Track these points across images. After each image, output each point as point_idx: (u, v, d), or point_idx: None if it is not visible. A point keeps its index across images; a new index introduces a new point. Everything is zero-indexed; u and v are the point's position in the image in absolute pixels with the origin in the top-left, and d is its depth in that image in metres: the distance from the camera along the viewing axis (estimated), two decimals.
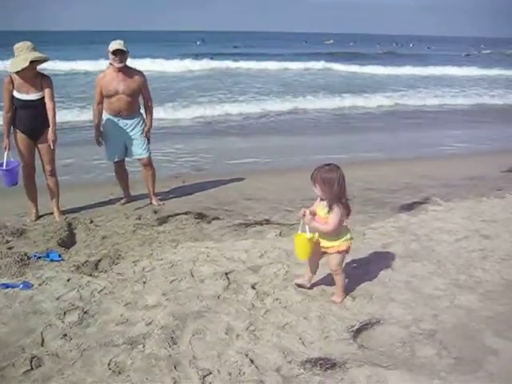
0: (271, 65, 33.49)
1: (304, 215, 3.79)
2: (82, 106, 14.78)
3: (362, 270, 4.54)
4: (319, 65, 35.02)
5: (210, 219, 6.05)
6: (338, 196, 3.71)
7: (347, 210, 3.81)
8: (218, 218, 6.10)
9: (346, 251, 3.91)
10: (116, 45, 6.08)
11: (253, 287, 4.21)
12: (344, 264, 4.09)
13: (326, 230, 3.79)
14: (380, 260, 4.78)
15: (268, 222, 5.97)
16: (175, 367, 3.14)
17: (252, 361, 3.21)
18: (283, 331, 3.56)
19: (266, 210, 6.49)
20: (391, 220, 6.00)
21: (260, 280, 4.34)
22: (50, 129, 5.88)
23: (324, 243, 3.89)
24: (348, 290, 4.13)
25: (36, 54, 5.59)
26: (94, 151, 7.94)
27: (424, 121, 15.51)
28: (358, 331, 3.57)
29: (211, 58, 36.64)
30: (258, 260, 4.77)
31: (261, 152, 10.36)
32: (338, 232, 3.83)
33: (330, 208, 3.74)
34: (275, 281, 4.34)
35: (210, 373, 3.09)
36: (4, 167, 5.71)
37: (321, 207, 3.85)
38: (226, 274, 4.45)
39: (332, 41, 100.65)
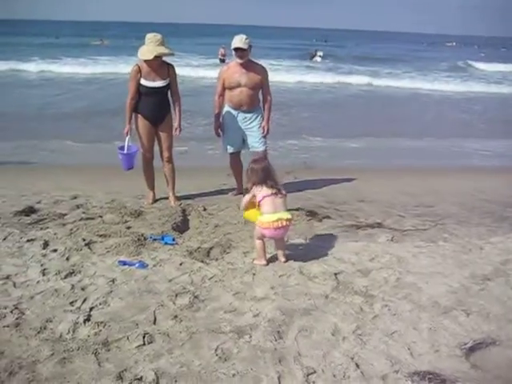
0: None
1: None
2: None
3: (478, 286, 4.29)
4: None
5: (320, 218, 6.00)
6: (263, 180, 4.50)
7: (275, 193, 4.48)
8: (329, 217, 6.05)
9: (260, 227, 4.51)
10: (237, 42, 6.17)
11: (362, 290, 4.11)
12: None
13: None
14: (498, 277, 4.49)
15: (380, 225, 5.83)
16: (280, 361, 3.14)
17: (357, 365, 3.13)
18: (391, 339, 3.44)
19: (379, 213, 6.34)
20: None
21: (369, 284, 4.23)
22: (178, 119, 6.11)
23: None
24: (462, 305, 3.93)
25: (162, 50, 5.77)
26: (209, 140, 8.14)
27: None
28: (471, 349, 3.36)
29: None
30: (368, 263, 4.66)
31: (375, 153, 10.17)
32: (261, 210, 4.51)
33: (249, 190, 4.62)
34: (385, 286, 4.21)
35: (315, 371, 3.05)
36: (125, 151, 6.00)
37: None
38: (335, 274, 4.38)
39: (454, 43, 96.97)
